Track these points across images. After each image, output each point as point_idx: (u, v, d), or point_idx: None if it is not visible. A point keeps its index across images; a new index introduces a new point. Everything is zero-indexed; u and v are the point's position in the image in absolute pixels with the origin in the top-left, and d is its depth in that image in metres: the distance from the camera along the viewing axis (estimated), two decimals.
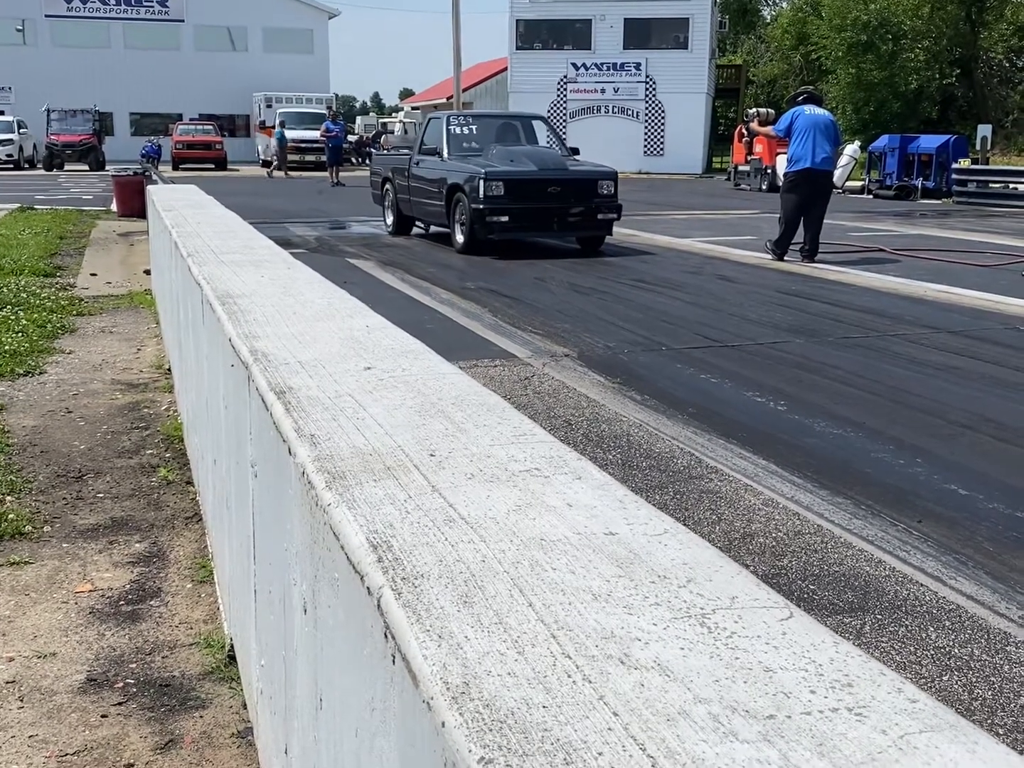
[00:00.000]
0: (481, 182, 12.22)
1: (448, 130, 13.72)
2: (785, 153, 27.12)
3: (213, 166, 38.24)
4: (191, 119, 44.20)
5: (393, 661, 1.07)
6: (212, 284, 3.39)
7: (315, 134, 37.84)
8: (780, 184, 26.75)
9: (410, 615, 1.07)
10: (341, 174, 29.10)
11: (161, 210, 6.65)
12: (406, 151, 21.41)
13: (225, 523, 3.06)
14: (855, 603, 3.36)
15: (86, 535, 4.03)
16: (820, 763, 0.83)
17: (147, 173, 17.79)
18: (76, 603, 3.47)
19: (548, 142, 14.73)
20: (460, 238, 12.84)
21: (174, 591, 3.57)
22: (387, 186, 15.44)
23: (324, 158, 36.57)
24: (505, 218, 12.33)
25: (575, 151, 14.21)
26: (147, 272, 10.57)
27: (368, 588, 1.19)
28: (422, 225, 14.93)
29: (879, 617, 3.26)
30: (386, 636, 1.10)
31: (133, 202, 17.37)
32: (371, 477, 1.52)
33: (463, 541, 1.28)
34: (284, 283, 3.50)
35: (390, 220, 15.37)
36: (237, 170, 38.19)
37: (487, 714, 0.90)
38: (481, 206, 12.22)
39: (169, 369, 6.49)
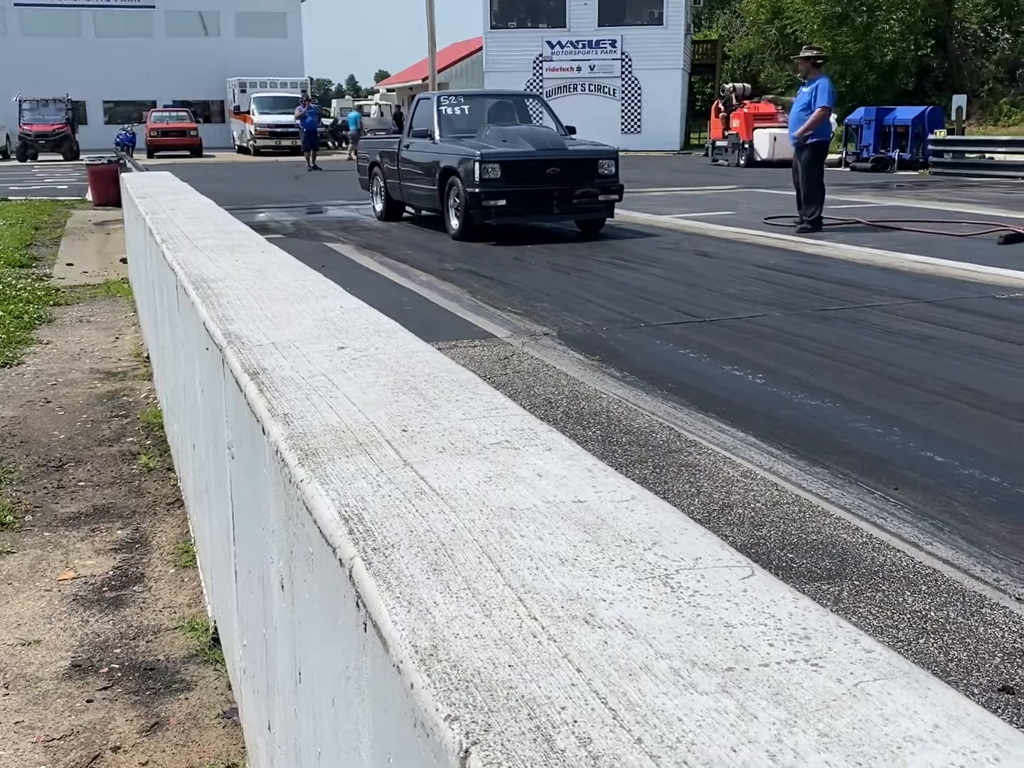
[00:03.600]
0: (476, 164, 11.70)
1: (439, 111, 13.23)
2: (764, 128, 27.18)
3: (188, 153, 38.01)
4: (165, 106, 43.85)
5: (365, 629, 1.09)
6: (186, 269, 3.39)
7: (290, 118, 37.70)
8: (755, 158, 26.75)
9: (380, 584, 1.09)
10: (318, 158, 28.91)
11: (135, 197, 6.62)
12: (383, 133, 21.20)
13: (206, 507, 3.07)
14: (833, 570, 3.41)
15: (68, 523, 4.04)
16: (776, 711, 0.85)
17: (122, 161, 17.68)
18: (59, 591, 3.48)
19: (539, 120, 14.33)
20: (455, 224, 12.34)
21: (157, 576, 3.58)
22: (375, 171, 14.96)
23: (300, 143, 36.49)
24: (502, 202, 11.81)
25: (571, 130, 13.65)
26: (124, 261, 10.52)
27: (340, 560, 1.21)
28: (412, 210, 14.60)
29: (856, 583, 3.31)
30: (358, 605, 1.12)
31: (108, 191, 17.26)
32: (343, 453, 1.54)
33: (434, 512, 1.30)
34: (259, 266, 3.50)
35: (379, 207, 14.91)
36: (213, 156, 37.94)
37: (454, 674, 0.92)
38: (477, 190, 11.72)
39: (147, 357, 6.48)
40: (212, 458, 2.70)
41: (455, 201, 12.29)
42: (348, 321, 2.53)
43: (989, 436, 4.77)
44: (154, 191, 7.15)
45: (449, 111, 13.43)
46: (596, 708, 0.86)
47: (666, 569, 1.13)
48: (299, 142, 36.33)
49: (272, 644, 1.84)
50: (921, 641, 2.94)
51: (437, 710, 0.87)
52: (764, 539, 3.67)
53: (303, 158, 29.64)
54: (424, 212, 14.18)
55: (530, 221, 12.78)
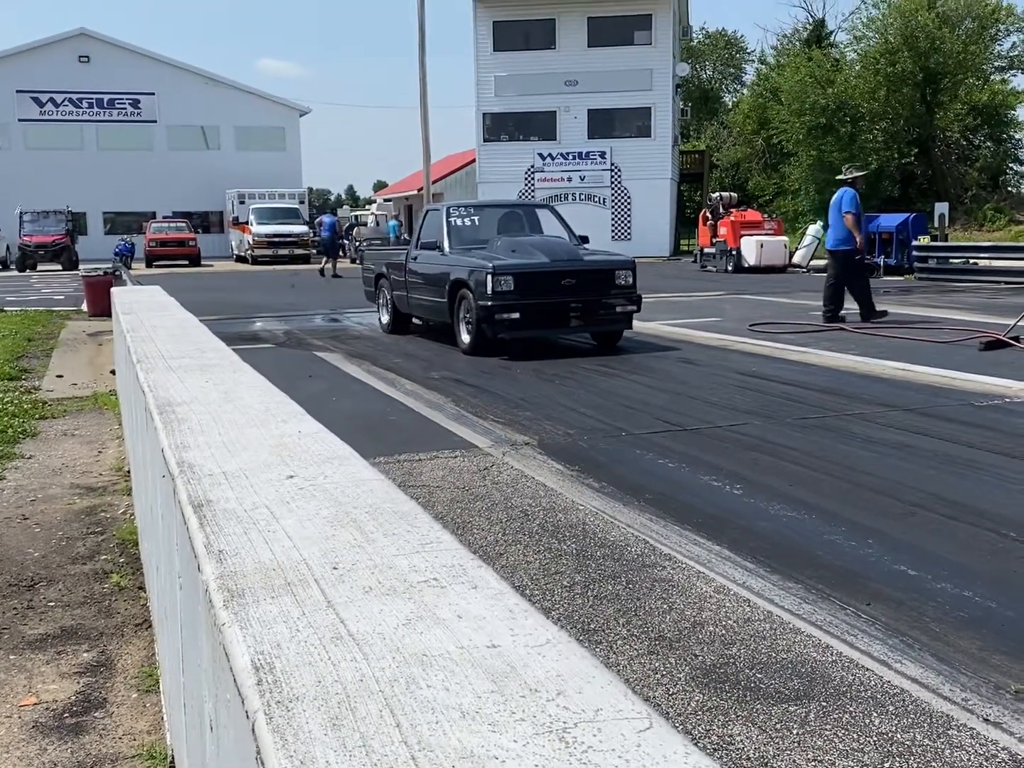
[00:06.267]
0: (489, 277, 11.35)
1: (449, 222, 12.92)
2: (750, 235, 27.75)
3: (187, 262, 38.61)
4: (164, 217, 44.67)
5: None
6: (155, 392, 3.43)
7: (287, 228, 38.86)
8: (743, 264, 27.46)
9: (277, 740, 1.10)
10: (315, 266, 29.30)
11: (120, 313, 6.71)
12: (379, 242, 21.61)
13: (166, 632, 3.05)
14: (800, 691, 3.37)
15: (34, 646, 4.00)
16: None
17: (117, 272, 17.94)
18: (19, 717, 3.43)
19: (551, 231, 13.77)
20: (466, 338, 11.95)
21: (119, 701, 3.53)
22: (381, 282, 14.64)
23: (297, 252, 37.66)
24: (516, 315, 11.41)
25: (584, 239, 13.27)
26: (113, 372, 10.60)
27: (247, 711, 1.21)
28: (420, 321, 14.26)
29: (824, 704, 3.27)
30: (257, 761, 1.13)
31: (103, 302, 17.40)
32: (269, 594, 1.55)
33: (345, 660, 1.31)
34: (227, 388, 3.54)
35: (385, 319, 14.57)
36: (211, 265, 38.50)
37: None
38: (489, 303, 11.35)
39: (129, 471, 6.48)
40: (167, 585, 2.70)
41: (466, 315, 11.92)
42: (303, 447, 2.55)
43: (963, 548, 4.77)
44: (139, 307, 7.26)
45: (458, 222, 13.06)
46: None
47: (565, 722, 1.13)
48: (297, 251, 37.60)
49: None
50: (886, 765, 2.90)
51: None
52: (734, 658, 3.64)
53: (301, 266, 30.14)
54: (431, 323, 13.85)
55: (545, 335, 12.40)
